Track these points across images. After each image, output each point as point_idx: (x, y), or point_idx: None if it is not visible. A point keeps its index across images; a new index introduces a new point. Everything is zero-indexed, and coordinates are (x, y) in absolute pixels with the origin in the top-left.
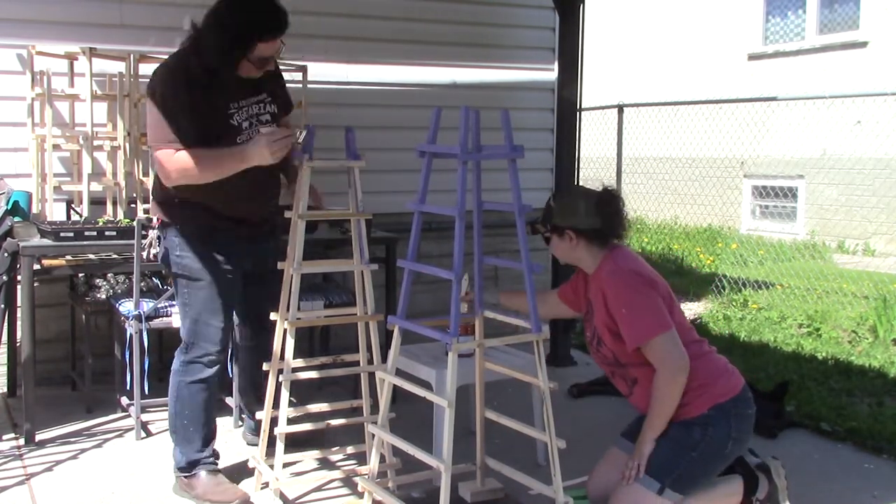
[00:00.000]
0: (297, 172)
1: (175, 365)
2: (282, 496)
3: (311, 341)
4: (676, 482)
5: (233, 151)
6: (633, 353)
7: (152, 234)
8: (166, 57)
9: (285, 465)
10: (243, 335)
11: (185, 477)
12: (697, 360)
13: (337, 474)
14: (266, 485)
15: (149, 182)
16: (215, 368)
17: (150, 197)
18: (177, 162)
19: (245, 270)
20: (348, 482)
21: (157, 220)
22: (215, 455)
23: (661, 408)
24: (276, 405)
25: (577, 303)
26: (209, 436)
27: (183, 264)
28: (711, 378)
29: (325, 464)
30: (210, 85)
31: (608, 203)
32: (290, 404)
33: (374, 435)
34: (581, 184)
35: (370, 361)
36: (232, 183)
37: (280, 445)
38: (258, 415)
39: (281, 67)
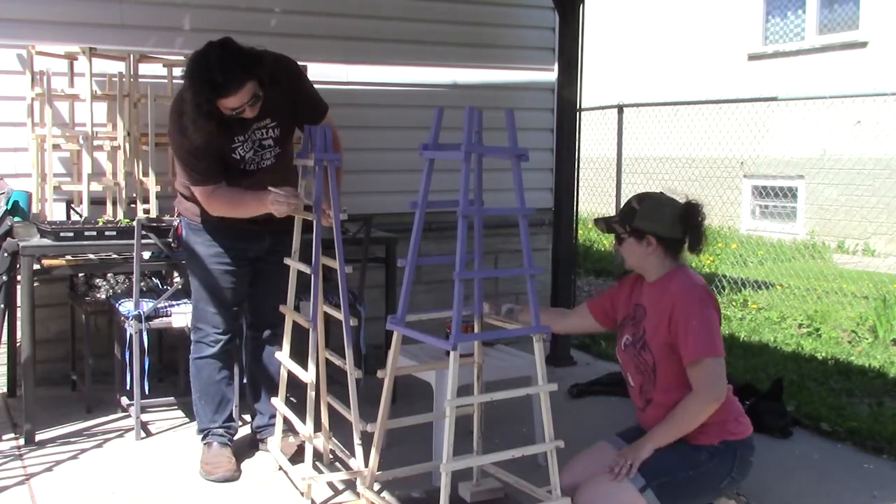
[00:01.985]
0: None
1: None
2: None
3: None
4: (661, 489)
5: (256, 196)
6: (673, 372)
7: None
8: (167, 58)
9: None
10: (247, 329)
11: (203, 444)
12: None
13: (337, 475)
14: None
15: (148, 182)
16: (216, 347)
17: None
18: (215, 200)
19: (254, 264)
20: (348, 482)
21: (176, 211)
22: (228, 429)
23: (678, 426)
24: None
25: (610, 314)
26: (218, 409)
27: (189, 251)
28: (730, 416)
29: (322, 462)
30: (219, 124)
31: (693, 215)
32: (290, 404)
33: (373, 435)
34: (579, 185)
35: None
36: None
37: (309, 446)
38: (273, 401)
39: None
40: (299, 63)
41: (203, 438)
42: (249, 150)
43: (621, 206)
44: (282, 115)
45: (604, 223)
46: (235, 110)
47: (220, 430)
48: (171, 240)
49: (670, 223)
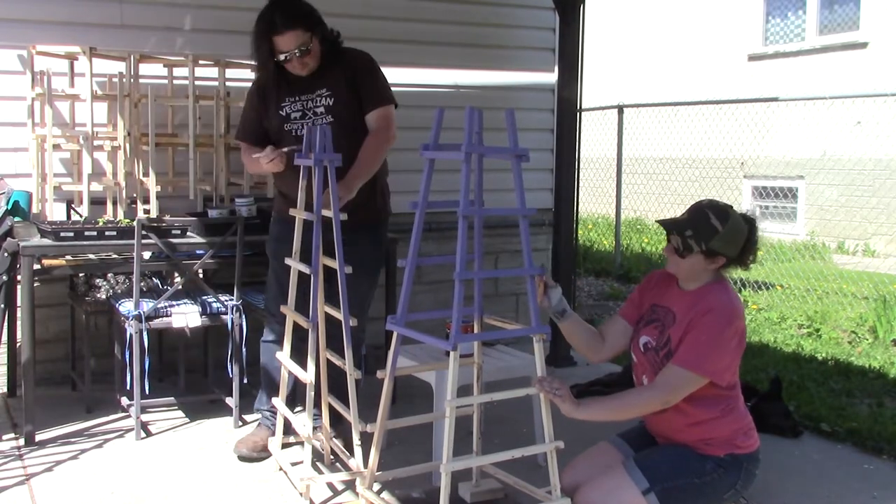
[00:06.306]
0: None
1: None
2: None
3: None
4: (665, 493)
5: (257, 156)
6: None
7: None
8: (167, 58)
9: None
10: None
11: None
12: (734, 411)
13: (337, 475)
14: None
15: (148, 182)
16: (276, 334)
17: None
18: (242, 153)
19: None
20: (348, 482)
21: None
22: (273, 412)
23: (617, 409)
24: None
25: (637, 315)
26: (269, 394)
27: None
28: (739, 430)
29: (322, 462)
30: (278, 82)
31: (755, 233)
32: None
33: (372, 435)
34: (579, 185)
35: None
36: (291, 175)
37: (308, 446)
38: (274, 401)
39: None
40: None
41: (257, 414)
42: (297, 112)
43: (695, 215)
44: (338, 89)
45: (678, 236)
46: (285, 55)
47: (268, 414)
48: None
49: (741, 244)
